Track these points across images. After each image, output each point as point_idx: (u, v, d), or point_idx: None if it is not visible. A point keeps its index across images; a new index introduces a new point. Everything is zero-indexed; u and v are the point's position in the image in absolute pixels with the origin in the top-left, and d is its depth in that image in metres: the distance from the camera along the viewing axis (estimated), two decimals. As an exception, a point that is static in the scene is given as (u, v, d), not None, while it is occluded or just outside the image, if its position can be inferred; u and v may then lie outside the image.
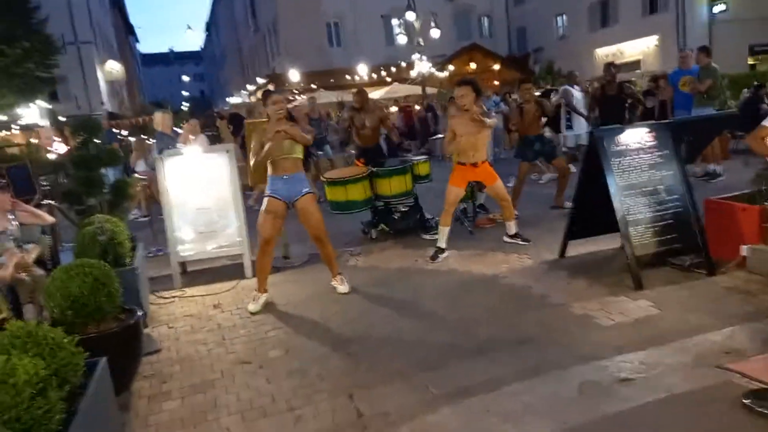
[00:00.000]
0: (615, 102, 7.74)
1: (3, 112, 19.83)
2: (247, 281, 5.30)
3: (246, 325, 4.22)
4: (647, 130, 4.49)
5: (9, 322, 2.39)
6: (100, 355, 2.53)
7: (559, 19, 30.18)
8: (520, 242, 5.58)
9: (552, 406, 2.74)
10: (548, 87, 17.28)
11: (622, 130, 4.46)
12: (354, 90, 7.38)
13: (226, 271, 5.73)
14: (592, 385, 2.88)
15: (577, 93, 9.84)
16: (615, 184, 4.23)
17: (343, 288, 4.77)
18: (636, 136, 4.41)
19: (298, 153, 4.56)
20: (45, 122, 21.61)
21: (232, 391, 3.21)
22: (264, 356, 3.64)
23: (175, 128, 7.40)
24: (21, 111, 21.72)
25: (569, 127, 9.91)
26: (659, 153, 4.42)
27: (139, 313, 3.32)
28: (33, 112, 22.28)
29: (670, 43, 23.31)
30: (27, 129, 23.46)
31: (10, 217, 4.60)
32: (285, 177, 4.52)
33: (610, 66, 7.95)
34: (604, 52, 26.80)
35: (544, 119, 6.96)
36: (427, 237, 6.26)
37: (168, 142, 6.63)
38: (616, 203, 4.20)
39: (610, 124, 5.82)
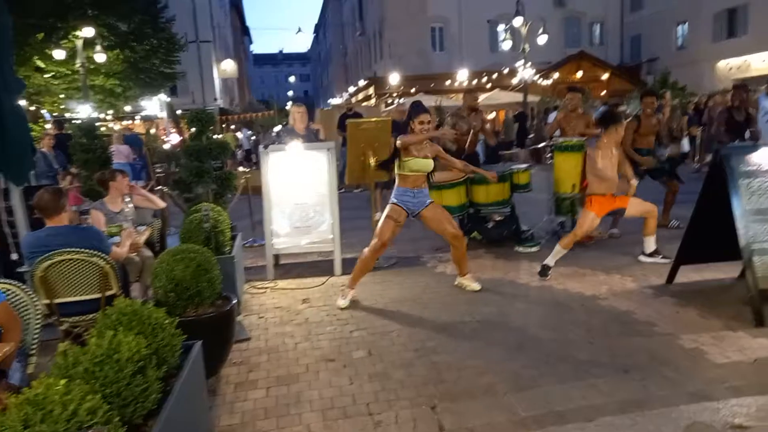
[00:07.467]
0: (740, 129, 6.96)
1: (128, 103, 21.62)
2: (336, 278, 5.36)
3: (332, 323, 4.25)
4: (783, 150, 4.03)
5: (117, 298, 2.52)
6: (195, 337, 2.60)
7: (680, 27, 28.19)
8: (660, 260, 5.12)
9: (654, 446, 2.50)
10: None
11: (754, 149, 4.03)
12: (464, 93, 7.15)
13: (317, 266, 5.84)
14: (702, 428, 2.60)
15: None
16: (741, 207, 3.82)
17: (475, 285, 4.80)
18: (770, 156, 3.97)
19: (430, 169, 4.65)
20: (163, 114, 23.37)
21: (315, 387, 3.23)
22: (348, 356, 3.63)
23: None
24: (144, 103, 23.63)
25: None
26: (796, 177, 3.95)
27: (234, 301, 3.42)
28: (154, 105, 24.15)
29: (807, 55, 21.11)
30: (148, 119, 25.52)
31: (127, 200, 4.97)
32: (416, 191, 4.61)
33: (740, 89, 7.01)
34: (727, 65, 24.75)
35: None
36: (521, 249, 6.03)
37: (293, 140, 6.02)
38: (741, 228, 3.80)
39: None
